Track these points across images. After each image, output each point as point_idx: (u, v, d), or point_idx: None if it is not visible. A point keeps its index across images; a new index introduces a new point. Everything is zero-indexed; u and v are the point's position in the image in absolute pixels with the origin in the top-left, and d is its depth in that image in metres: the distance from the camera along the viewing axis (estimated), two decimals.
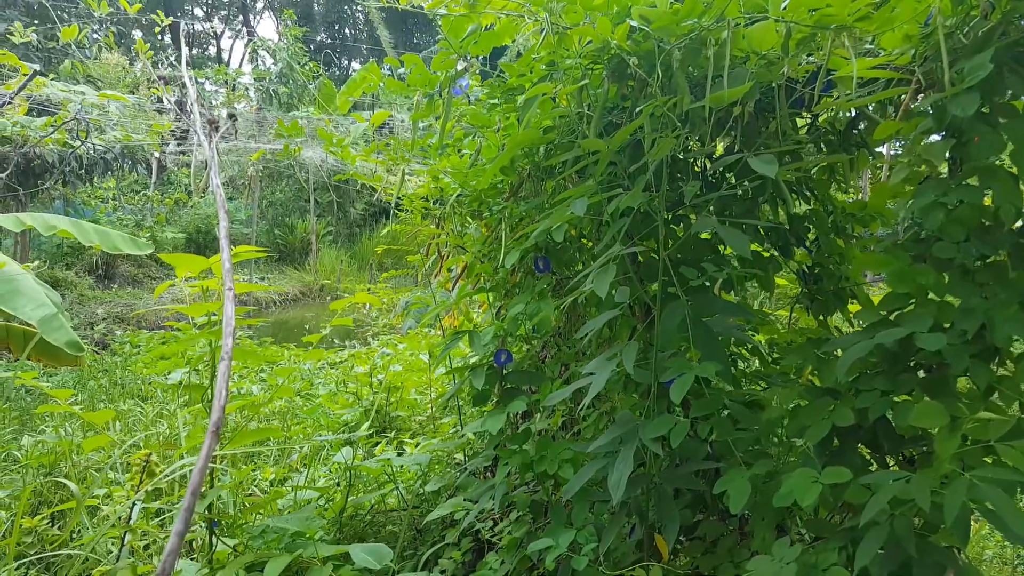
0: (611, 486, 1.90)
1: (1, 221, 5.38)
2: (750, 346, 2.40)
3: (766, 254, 2.41)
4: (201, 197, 17.65)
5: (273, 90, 16.19)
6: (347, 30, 40.71)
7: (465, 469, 2.95)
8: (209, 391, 2.53)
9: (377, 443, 4.34)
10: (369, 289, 8.97)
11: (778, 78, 1.86)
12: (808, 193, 2.44)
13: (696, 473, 2.08)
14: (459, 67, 2.11)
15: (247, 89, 17.54)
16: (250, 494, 3.48)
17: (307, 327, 12.52)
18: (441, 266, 2.81)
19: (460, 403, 3.24)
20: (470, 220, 2.72)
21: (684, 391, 1.77)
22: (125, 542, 2.39)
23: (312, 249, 16.65)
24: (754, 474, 1.78)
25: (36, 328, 4.75)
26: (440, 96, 2.10)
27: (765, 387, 2.24)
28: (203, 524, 2.70)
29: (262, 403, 4.42)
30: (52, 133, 6.25)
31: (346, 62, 39.28)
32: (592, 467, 2.08)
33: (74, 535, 2.74)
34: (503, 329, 2.26)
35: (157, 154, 16.62)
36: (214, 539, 2.64)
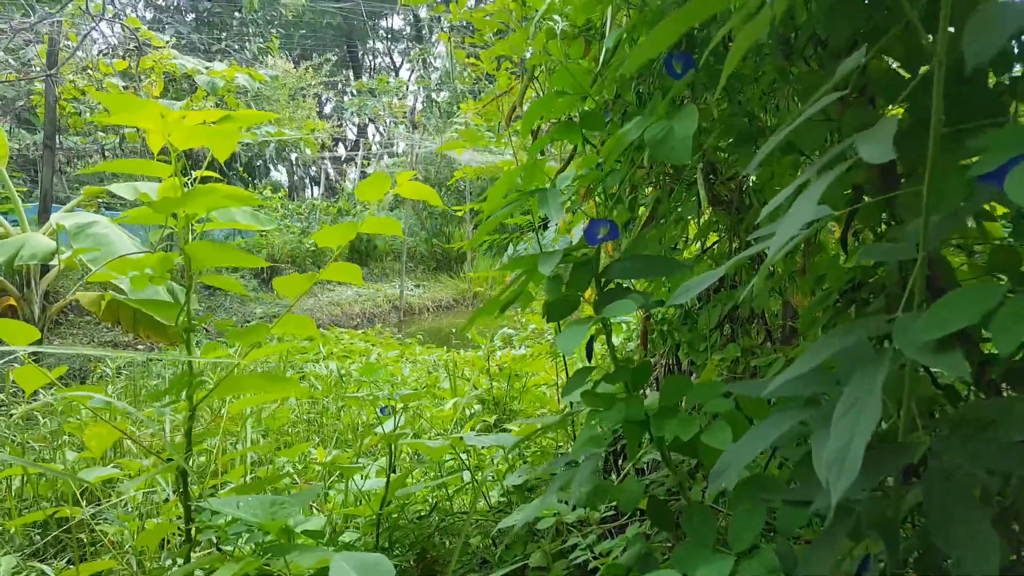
0: (822, 465, 0.81)
1: (116, 189, 5.12)
2: None
3: None
4: (365, 208, 18.00)
5: (434, 97, 16.11)
6: None
7: (560, 456, 1.92)
8: None
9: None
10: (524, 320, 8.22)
11: None
12: None
13: None
14: None
15: (414, 97, 17.71)
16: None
17: (454, 331, 12.00)
18: (512, 114, 1.81)
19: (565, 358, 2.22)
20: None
21: None
22: None
23: (467, 257, 16.28)
24: None
25: (125, 292, 4.35)
26: None
27: None
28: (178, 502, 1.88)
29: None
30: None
31: None
32: (772, 427, 0.98)
33: None
34: (598, 166, 1.21)
35: (329, 168, 17.17)
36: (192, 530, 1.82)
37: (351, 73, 34.35)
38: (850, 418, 0.82)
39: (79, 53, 7.09)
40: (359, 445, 2.81)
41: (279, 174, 25.87)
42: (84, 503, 2.66)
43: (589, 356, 1.22)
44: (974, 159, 1.07)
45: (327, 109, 28.38)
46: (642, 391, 1.26)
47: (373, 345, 8.23)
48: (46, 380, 1.88)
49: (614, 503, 1.53)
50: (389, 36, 38.23)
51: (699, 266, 2.19)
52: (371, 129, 27.02)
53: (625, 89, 1.43)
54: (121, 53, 6.37)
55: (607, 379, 1.23)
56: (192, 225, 1.87)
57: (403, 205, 17.19)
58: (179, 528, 2.04)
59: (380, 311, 14.50)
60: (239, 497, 1.49)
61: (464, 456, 2.50)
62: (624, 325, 4.95)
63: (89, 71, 6.27)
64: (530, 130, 1.60)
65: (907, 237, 1.04)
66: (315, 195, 23.08)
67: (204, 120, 1.76)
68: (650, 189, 1.82)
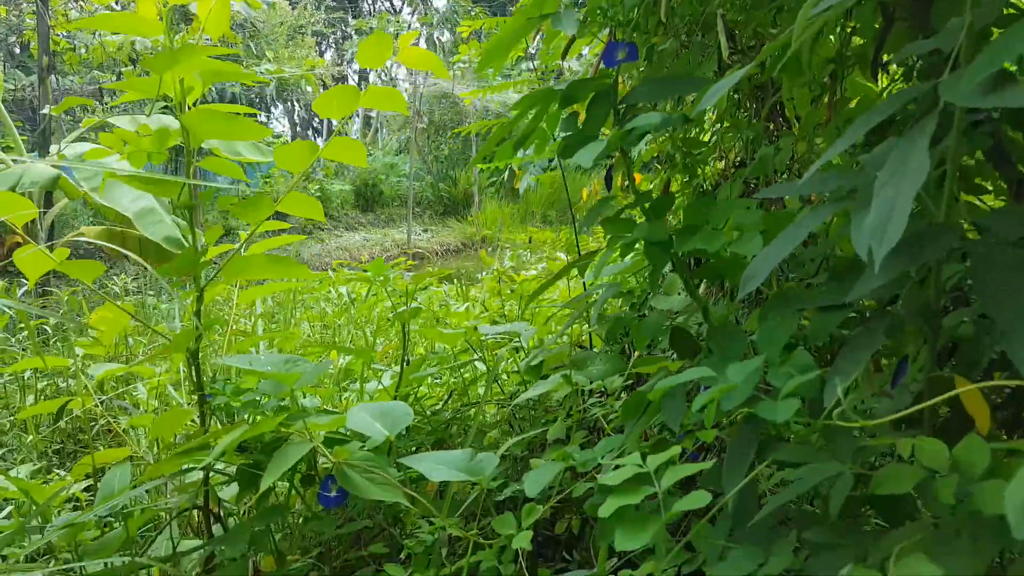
0: (862, 236, 0.76)
1: (117, 121, 5.06)
2: None
3: None
4: (368, 155, 17.78)
5: (437, 37, 15.74)
6: None
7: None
8: None
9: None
10: (531, 239, 8.17)
11: None
12: None
13: None
14: None
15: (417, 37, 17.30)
16: None
17: (463, 273, 11.99)
18: None
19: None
20: None
21: None
22: None
23: (474, 201, 16.14)
24: None
25: (134, 222, 4.31)
26: None
27: None
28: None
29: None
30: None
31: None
32: (807, 222, 0.93)
33: None
34: None
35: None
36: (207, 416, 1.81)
37: (349, 16, 33.53)
38: (894, 182, 0.76)
39: None
40: (372, 350, 2.79)
41: (281, 126, 25.52)
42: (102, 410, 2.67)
43: (609, 186, 1.16)
44: None
45: (327, 56, 27.77)
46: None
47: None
48: (51, 265, 1.85)
49: (634, 372, 1.50)
50: None
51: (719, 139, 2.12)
52: (372, 75, 26.55)
53: None
54: None
55: (627, 208, 1.18)
56: (187, 99, 1.80)
57: (408, 150, 16.99)
58: (194, 420, 2.04)
59: (388, 255, 14.49)
60: (251, 355, 1.46)
61: (480, 366, 2.46)
62: None
63: (81, 3, 6.13)
64: None
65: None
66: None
67: None
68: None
